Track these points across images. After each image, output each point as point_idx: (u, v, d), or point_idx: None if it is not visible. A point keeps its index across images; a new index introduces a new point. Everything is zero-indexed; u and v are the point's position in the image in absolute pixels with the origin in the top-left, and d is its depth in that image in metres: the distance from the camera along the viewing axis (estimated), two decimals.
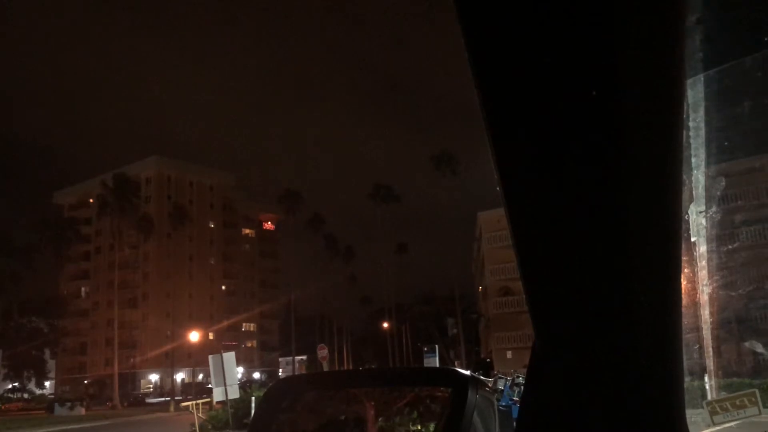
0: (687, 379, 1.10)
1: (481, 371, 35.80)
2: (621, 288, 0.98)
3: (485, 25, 0.88)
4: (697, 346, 2.18)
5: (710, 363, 2.41)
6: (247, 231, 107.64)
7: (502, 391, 18.20)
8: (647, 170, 0.91)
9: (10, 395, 67.85)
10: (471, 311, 74.89)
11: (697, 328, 2.09)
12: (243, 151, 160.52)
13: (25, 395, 71.64)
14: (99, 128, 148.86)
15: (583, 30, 0.85)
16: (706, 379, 2.49)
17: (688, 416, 1.07)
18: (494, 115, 0.91)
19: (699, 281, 1.96)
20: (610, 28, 0.85)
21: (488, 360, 61.90)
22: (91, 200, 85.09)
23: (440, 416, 1.53)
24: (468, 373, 1.48)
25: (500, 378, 20.79)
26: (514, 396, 16.88)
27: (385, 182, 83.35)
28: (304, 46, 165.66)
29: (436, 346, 27.39)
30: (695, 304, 1.99)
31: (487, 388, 1.57)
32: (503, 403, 16.76)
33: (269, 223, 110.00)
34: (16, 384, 73.35)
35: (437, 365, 26.08)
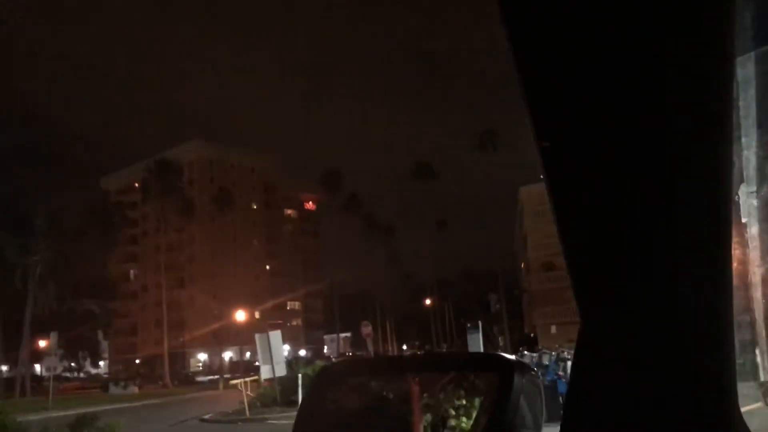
0: (739, 360, 1.09)
1: (525, 347, 35.72)
2: (669, 271, 0.96)
3: (525, 5, 0.85)
4: (749, 326, 2.15)
5: (763, 343, 2.38)
6: (289, 212, 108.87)
7: (547, 366, 18.18)
8: (696, 152, 0.89)
9: (67, 375, 70.47)
10: (514, 287, 74.56)
11: (749, 309, 2.06)
12: (282, 132, 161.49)
13: (81, 375, 74.32)
14: (143, 113, 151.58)
15: (628, 8, 0.82)
16: (758, 358, 2.46)
17: (738, 389, 1.06)
18: (535, 94, 0.89)
19: (751, 262, 1.93)
20: (655, 5, 0.82)
21: (532, 335, 61.69)
22: (136, 185, 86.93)
23: (486, 392, 1.55)
24: (514, 358, 1.50)
25: (545, 353, 20.75)
26: (559, 371, 16.84)
27: (425, 160, 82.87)
28: (342, 26, 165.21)
29: (480, 322, 27.33)
30: (746, 286, 1.96)
31: (533, 372, 1.58)
32: (549, 378, 16.73)
33: (310, 203, 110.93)
34: (72, 364, 76.12)
35: (480, 341, 26.12)
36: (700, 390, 1.02)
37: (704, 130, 0.88)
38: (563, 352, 19.83)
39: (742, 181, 1.68)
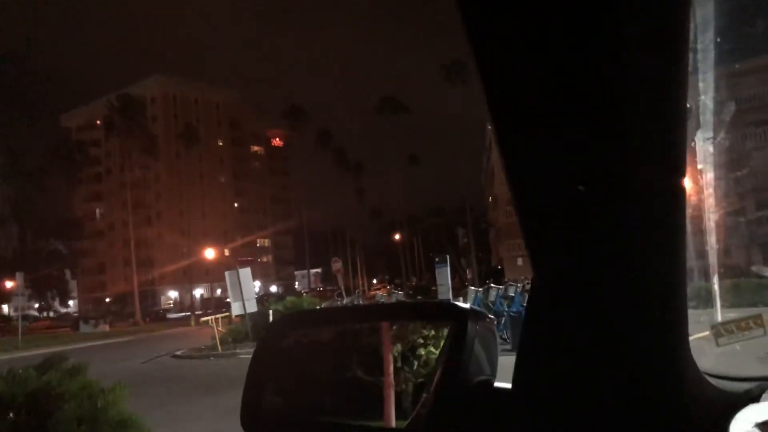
0: (692, 304, 1.08)
1: (492, 279, 36.43)
2: (621, 219, 0.95)
3: None
4: (703, 272, 2.17)
5: (716, 287, 2.42)
6: (256, 148, 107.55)
7: (513, 297, 18.60)
8: (650, 96, 0.85)
9: (36, 314, 70.17)
10: (481, 221, 75.58)
11: (703, 255, 2.08)
12: (248, 67, 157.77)
13: (51, 314, 74.10)
14: (104, 49, 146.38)
15: None
16: (712, 302, 2.51)
17: (693, 319, 1.07)
18: (484, 45, 0.85)
19: (706, 209, 1.92)
20: None
21: (499, 267, 62.94)
22: (98, 122, 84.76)
23: (441, 341, 1.53)
24: (467, 306, 1.47)
25: (511, 285, 21.19)
26: (524, 302, 17.26)
27: (395, 94, 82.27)
28: None
29: (447, 256, 27.69)
30: (702, 232, 1.96)
31: (488, 318, 1.56)
32: (514, 309, 17.15)
33: (277, 139, 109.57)
34: (42, 303, 75.75)
35: (448, 274, 26.54)
36: (653, 339, 1.02)
37: (659, 73, 0.84)
38: (529, 283, 20.30)
39: (698, 126, 1.65)
